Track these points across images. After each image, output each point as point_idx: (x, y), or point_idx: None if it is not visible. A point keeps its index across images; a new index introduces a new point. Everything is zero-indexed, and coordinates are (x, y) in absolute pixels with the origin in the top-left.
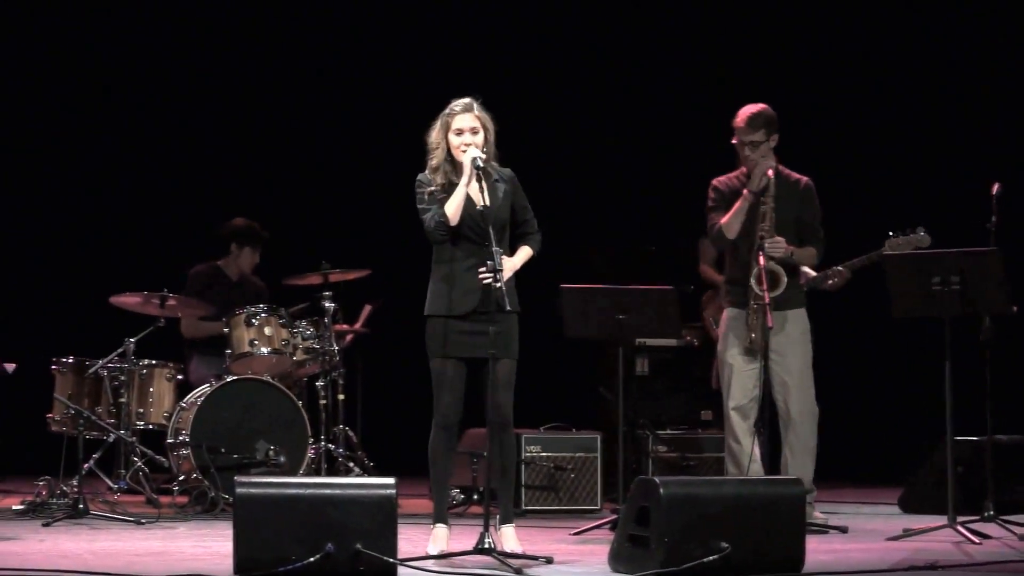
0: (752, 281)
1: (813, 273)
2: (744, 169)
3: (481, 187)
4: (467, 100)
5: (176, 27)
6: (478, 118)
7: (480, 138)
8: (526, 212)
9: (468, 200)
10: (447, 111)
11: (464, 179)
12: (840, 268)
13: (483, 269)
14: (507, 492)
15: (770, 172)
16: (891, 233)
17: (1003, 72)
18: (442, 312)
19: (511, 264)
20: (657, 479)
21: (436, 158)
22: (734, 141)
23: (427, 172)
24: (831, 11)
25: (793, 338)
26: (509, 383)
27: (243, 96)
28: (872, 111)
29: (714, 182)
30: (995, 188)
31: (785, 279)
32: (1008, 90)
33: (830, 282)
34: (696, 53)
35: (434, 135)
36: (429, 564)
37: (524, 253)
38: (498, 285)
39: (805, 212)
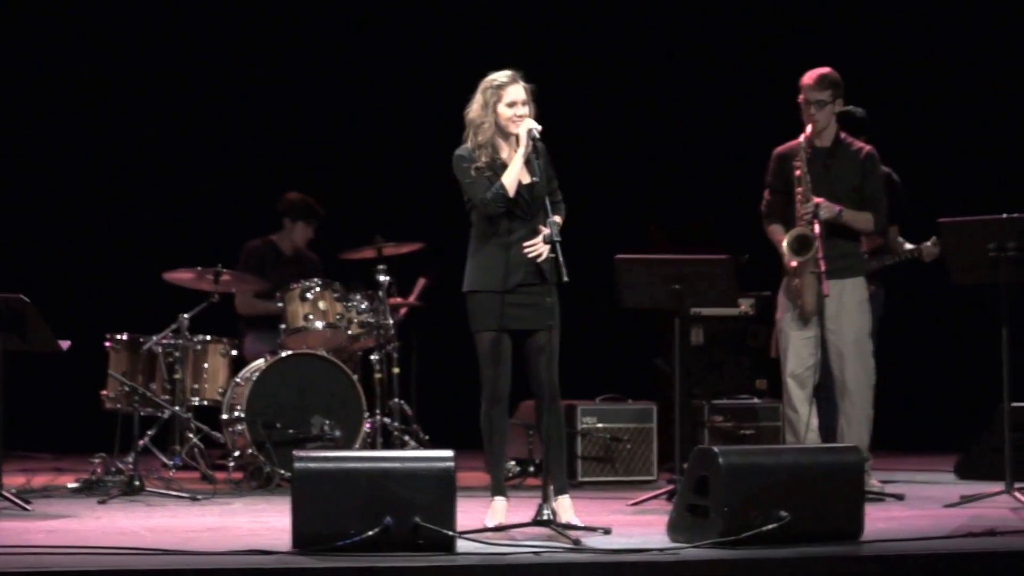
0: (787, 249)
1: (907, 245)
2: (807, 132)
3: (530, 160)
4: (510, 72)
5: (234, 4)
6: (527, 90)
7: (528, 110)
8: (554, 182)
9: (528, 168)
10: (491, 84)
11: (521, 150)
12: (928, 244)
13: (532, 242)
14: (560, 463)
15: (808, 131)
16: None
17: None
18: (490, 287)
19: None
20: (716, 449)
21: (483, 134)
22: (800, 99)
23: (468, 148)
24: None
25: (848, 308)
26: (553, 353)
27: (297, 70)
28: (937, 82)
29: (776, 153)
30: None
31: (815, 244)
32: None
33: (915, 255)
34: (753, 23)
35: (476, 109)
36: (488, 536)
37: (556, 222)
38: (551, 255)
39: (867, 181)
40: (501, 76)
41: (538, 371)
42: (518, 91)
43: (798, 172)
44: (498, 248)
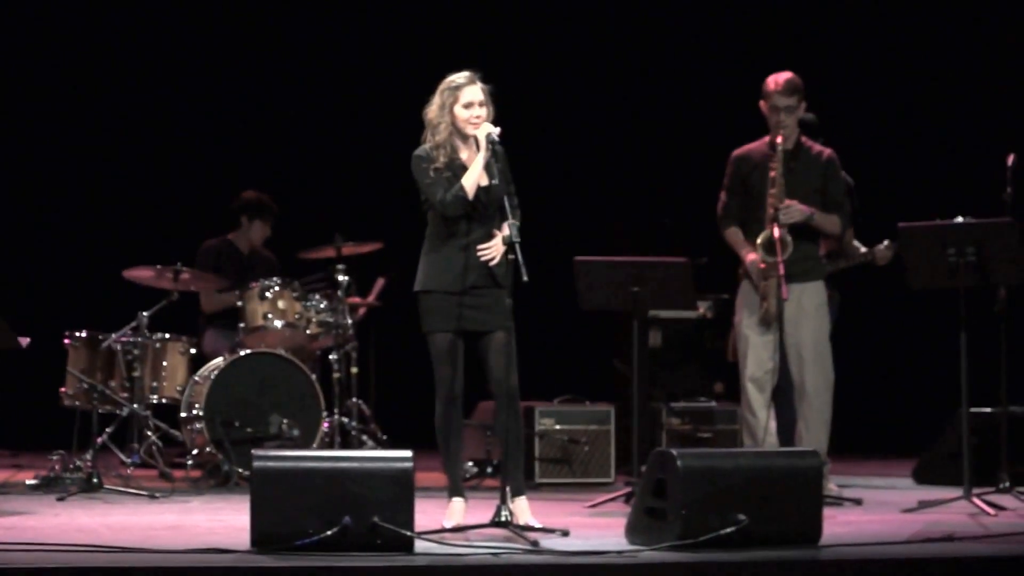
0: (759, 249)
1: (861, 249)
2: (777, 138)
3: (489, 163)
4: (468, 73)
5: (192, 10)
6: (484, 91)
7: (485, 111)
8: (511, 186)
9: (487, 171)
10: (448, 85)
11: (481, 154)
12: (881, 247)
13: (488, 244)
14: (517, 464)
15: (779, 138)
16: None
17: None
18: (444, 287)
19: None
20: (674, 451)
21: (441, 134)
22: (762, 106)
23: (427, 148)
24: None
25: (807, 311)
26: (510, 353)
27: (255, 69)
28: (888, 85)
29: (735, 154)
30: (1010, 160)
31: (791, 246)
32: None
33: (869, 259)
34: (710, 27)
35: (434, 110)
36: (446, 537)
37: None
38: (513, 257)
39: (829, 184)
40: (459, 77)
41: (496, 373)
42: (475, 92)
43: (773, 174)
44: (455, 249)
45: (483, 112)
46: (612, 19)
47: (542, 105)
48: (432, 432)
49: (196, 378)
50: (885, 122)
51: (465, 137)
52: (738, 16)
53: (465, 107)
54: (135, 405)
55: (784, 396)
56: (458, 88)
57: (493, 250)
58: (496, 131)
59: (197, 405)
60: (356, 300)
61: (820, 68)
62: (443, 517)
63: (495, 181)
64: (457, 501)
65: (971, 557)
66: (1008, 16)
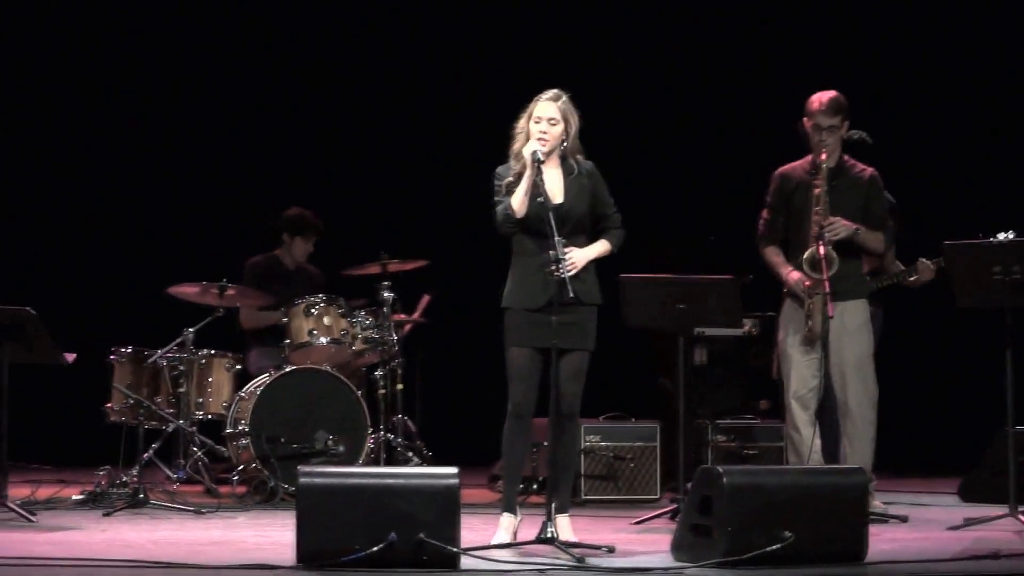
0: (805, 266)
1: (901, 267)
2: (810, 157)
3: (541, 180)
4: (556, 91)
5: (240, 19)
6: (560, 110)
7: (558, 129)
8: (606, 207)
9: (536, 193)
10: (535, 100)
11: (528, 172)
12: (927, 262)
13: (551, 263)
14: (567, 483)
15: (822, 157)
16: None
17: None
18: (517, 305)
19: (583, 255)
20: (720, 468)
21: (516, 143)
22: (806, 125)
23: (509, 162)
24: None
25: (850, 329)
26: (578, 374)
27: (302, 86)
28: (937, 107)
29: (779, 173)
30: None
31: (836, 263)
32: None
33: (912, 278)
34: (751, 46)
35: (520, 122)
36: (491, 553)
37: (598, 246)
38: (560, 275)
39: (872, 203)
40: (545, 93)
41: (560, 389)
42: (546, 108)
43: (817, 191)
44: (530, 267)
45: (551, 129)
46: (658, 39)
47: (587, 122)
48: (477, 448)
49: (242, 394)
50: (926, 138)
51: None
52: (782, 36)
53: (535, 122)
54: (181, 421)
55: (828, 414)
56: (535, 101)
57: (569, 263)
58: (541, 149)
59: (243, 421)
60: (401, 317)
61: (864, 85)
62: (489, 533)
63: (540, 199)
64: (508, 516)
65: (1018, 575)
66: None
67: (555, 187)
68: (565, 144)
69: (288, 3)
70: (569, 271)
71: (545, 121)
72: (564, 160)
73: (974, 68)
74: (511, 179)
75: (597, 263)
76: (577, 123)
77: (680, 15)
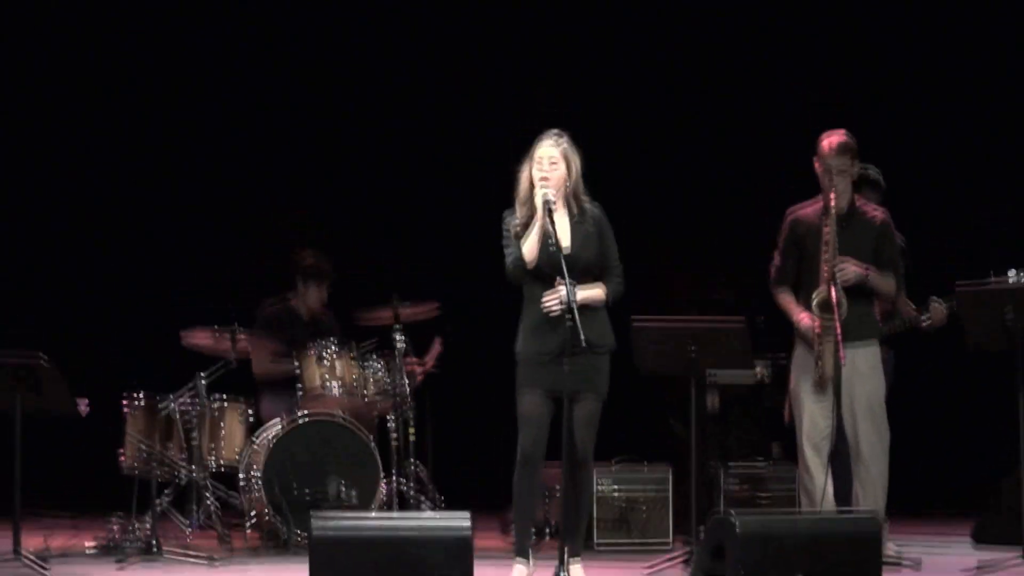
0: (815, 309)
1: (913, 310)
2: (831, 199)
3: (553, 226)
4: (556, 131)
5: (250, 68)
6: (561, 151)
7: (559, 171)
8: (610, 256)
9: (548, 240)
10: (535, 144)
11: (537, 218)
12: (938, 305)
13: (546, 298)
14: (580, 528)
15: (832, 199)
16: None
17: None
18: (529, 350)
19: (582, 295)
20: (733, 515)
21: (521, 190)
22: (816, 166)
23: (515, 207)
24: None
25: (862, 372)
26: (591, 420)
27: (320, 133)
28: (941, 141)
29: (790, 216)
30: None
31: (847, 305)
32: None
33: (925, 322)
34: (756, 88)
35: (523, 171)
36: None
37: (592, 290)
38: (567, 318)
39: (883, 246)
40: (545, 134)
41: (573, 435)
42: (546, 149)
43: (828, 235)
44: (538, 312)
45: (552, 170)
46: (667, 84)
47: (598, 165)
48: (490, 495)
49: (254, 442)
50: (935, 180)
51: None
52: (790, 79)
53: (537, 164)
54: (194, 470)
55: (841, 458)
56: (536, 144)
57: (549, 301)
58: (552, 195)
59: (255, 469)
60: (413, 363)
61: (873, 124)
62: None
63: (552, 246)
64: (520, 563)
65: None
66: None
67: (563, 232)
68: (568, 185)
69: (306, 52)
70: (576, 301)
71: (546, 162)
72: (569, 203)
73: (979, 102)
74: (518, 224)
75: (610, 309)
76: (579, 164)
77: (688, 50)
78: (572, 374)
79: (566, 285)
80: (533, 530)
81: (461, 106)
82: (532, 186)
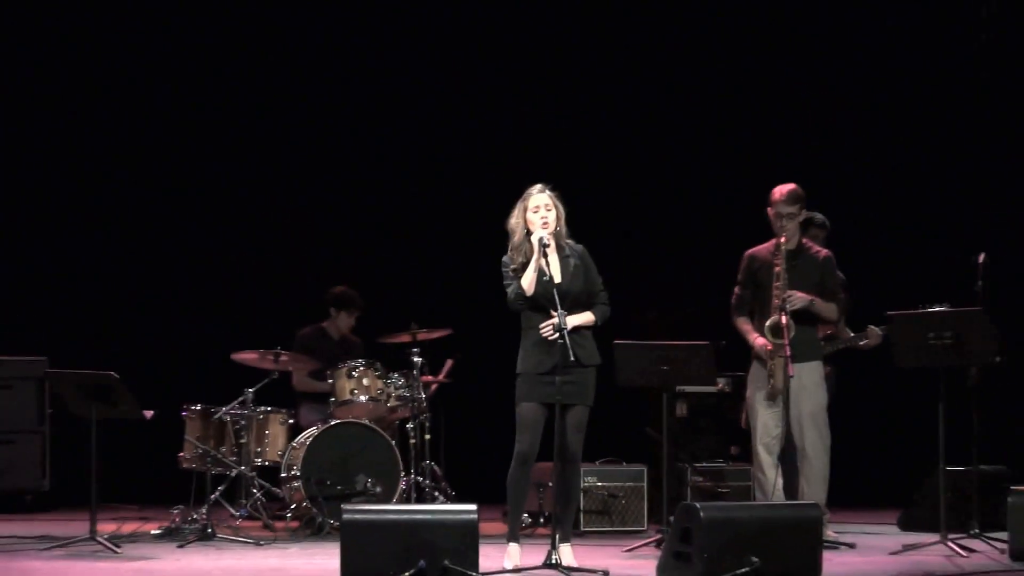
0: (768, 333)
1: (851, 333)
2: (781, 239)
3: (548, 262)
4: (541, 184)
5: (282, 115)
6: (551, 198)
7: (553, 215)
8: (595, 286)
9: (542, 274)
10: (524, 196)
11: (534, 256)
12: (875, 328)
13: (543, 325)
14: (568, 516)
15: (783, 240)
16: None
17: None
18: (528, 369)
19: (573, 321)
20: (698, 505)
21: (516, 237)
22: (769, 212)
23: (509, 253)
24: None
25: (807, 386)
26: (580, 426)
27: (355, 191)
28: (873, 194)
29: (748, 254)
30: (981, 257)
31: (794, 329)
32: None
33: (862, 343)
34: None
35: (514, 219)
36: None
37: (583, 316)
38: (559, 340)
39: (826, 279)
40: (532, 188)
41: (565, 439)
42: (540, 198)
43: (778, 268)
44: (536, 336)
45: (548, 214)
46: (641, 135)
47: (589, 213)
48: (493, 489)
49: (294, 444)
50: (872, 227)
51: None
52: (746, 140)
53: (534, 211)
54: (243, 467)
55: (789, 457)
56: (527, 197)
57: (545, 329)
58: (547, 236)
59: (295, 467)
60: (429, 378)
61: (819, 179)
62: (502, 558)
63: (545, 278)
64: (514, 546)
65: None
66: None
67: (554, 268)
68: (558, 229)
69: (336, 93)
70: (566, 331)
71: (543, 208)
72: (558, 244)
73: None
74: (515, 267)
75: (595, 331)
76: (563, 211)
77: (666, 100)
78: (564, 386)
79: (558, 314)
80: (526, 515)
81: (474, 171)
82: (527, 231)
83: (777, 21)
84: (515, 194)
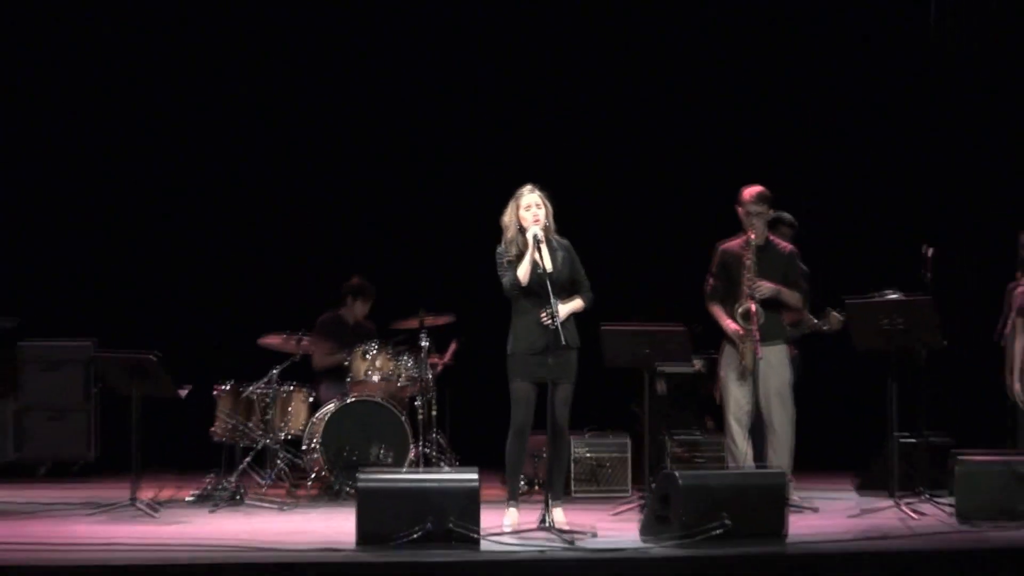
0: (738, 318)
1: (814, 319)
2: (750, 235)
3: (541, 255)
4: (529, 185)
5: (305, 123)
6: (540, 197)
7: (543, 211)
8: (579, 275)
9: (535, 264)
10: (516, 195)
11: (529, 250)
12: (835, 314)
13: (542, 314)
14: (559, 481)
15: (752, 236)
16: (831, 308)
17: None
18: (520, 349)
19: (565, 309)
20: (676, 472)
21: (510, 232)
22: (740, 212)
23: (503, 245)
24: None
25: (773, 365)
26: (567, 400)
27: (362, 188)
28: (833, 191)
29: (720, 247)
30: (929, 251)
31: (763, 315)
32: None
33: (825, 327)
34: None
35: (507, 216)
36: (504, 537)
37: (574, 303)
38: (553, 326)
39: (790, 271)
40: (523, 188)
41: (555, 412)
42: (531, 197)
43: (747, 261)
44: (527, 320)
45: (539, 211)
46: (624, 143)
47: (581, 216)
48: (492, 458)
49: (315, 418)
50: (833, 226)
51: (526, 232)
52: (719, 145)
53: (525, 209)
54: (268, 439)
55: (758, 429)
56: (519, 196)
57: (544, 317)
58: (540, 232)
59: (316, 438)
60: (435, 359)
61: (786, 179)
62: (502, 519)
63: (539, 270)
64: (513, 508)
65: (900, 550)
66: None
67: (546, 260)
68: (547, 224)
69: (347, 104)
70: (560, 320)
71: (534, 207)
72: (548, 237)
73: (863, 169)
74: (510, 258)
75: (580, 317)
76: (551, 208)
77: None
78: (554, 366)
79: (552, 303)
80: (525, 484)
81: (474, 176)
82: (519, 226)
83: (736, 28)
84: (509, 195)
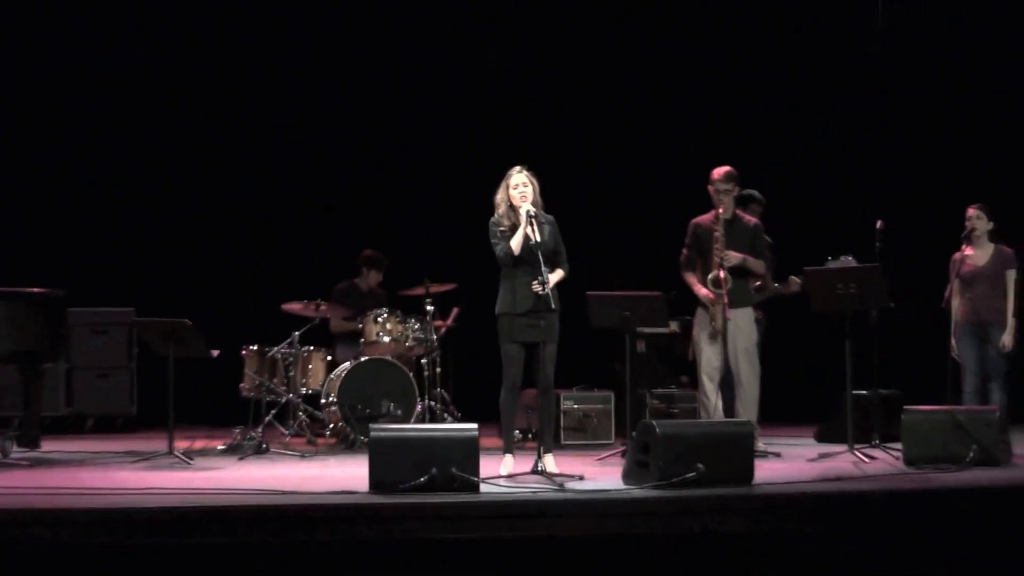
0: (709, 284)
1: (776, 285)
2: (720, 211)
3: (533, 229)
4: (518, 166)
5: (324, 113)
6: (528, 177)
7: (530, 189)
8: (559, 245)
9: (526, 237)
10: (506, 176)
11: (523, 224)
12: (796, 280)
13: (535, 283)
14: (549, 432)
15: (721, 211)
16: (792, 276)
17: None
18: (508, 311)
19: (553, 277)
20: (655, 423)
21: (501, 208)
22: (710, 189)
23: (496, 218)
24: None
25: (741, 327)
26: (553, 358)
27: (374, 168)
28: (791, 171)
29: (693, 222)
30: (879, 224)
31: (731, 282)
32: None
33: (786, 292)
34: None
35: (499, 194)
36: (500, 482)
37: (557, 274)
38: (544, 292)
39: (755, 242)
40: (513, 169)
41: (541, 370)
42: (520, 177)
43: (717, 234)
44: (517, 286)
45: (527, 190)
46: (607, 129)
47: (570, 195)
48: (491, 412)
49: (332, 376)
50: (795, 201)
51: (515, 209)
52: (692, 130)
53: (514, 188)
54: (291, 395)
55: (728, 385)
56: (509, 176)
57: (536, 286)
58: (532, 208)
59: (332, 394)
60: (439, 323)
61: (754, 159)
62: (499, 466)
63: (531, 242)
64: (508, 456)
65: (854, 491)
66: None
67: (536, 233)
68: (537, 200)
69: (356, 99)
70: (549, 287)
71: (521, 186)
72: (536, 213)
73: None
74: (503, 229)
75: (562, 286)
76: (538, 186)
77: (633, 102)
78: (542, 329)
79: (543, 273)
80: (517, 432)
81: (473, 158)
82: (509, 203)
83: (708, 22)
84: (502, 176)
